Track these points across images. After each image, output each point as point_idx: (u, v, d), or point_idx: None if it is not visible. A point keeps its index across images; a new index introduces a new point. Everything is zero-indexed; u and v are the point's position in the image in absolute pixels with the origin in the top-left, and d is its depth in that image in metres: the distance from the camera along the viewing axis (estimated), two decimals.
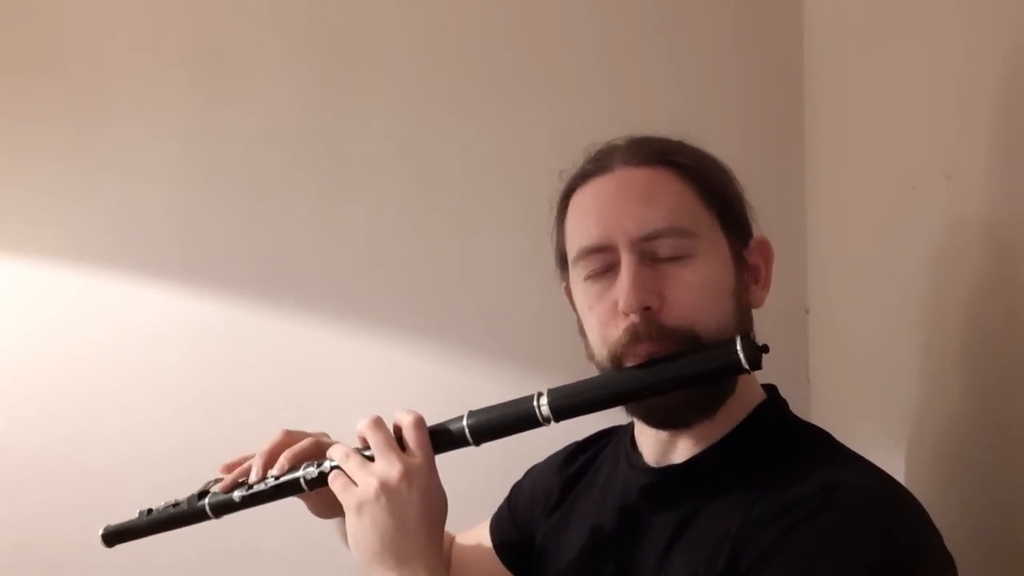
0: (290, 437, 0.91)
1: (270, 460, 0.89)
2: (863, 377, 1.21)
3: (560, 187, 0.90)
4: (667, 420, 0.83)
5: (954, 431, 0.96)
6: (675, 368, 0.78)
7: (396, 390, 1.42)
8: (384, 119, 1.46)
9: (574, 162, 0.89)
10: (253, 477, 0.88)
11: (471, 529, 1.09)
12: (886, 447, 1.04)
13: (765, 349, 0.77)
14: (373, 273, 1.45)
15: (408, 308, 1.45)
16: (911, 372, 1.05)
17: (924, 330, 1.02)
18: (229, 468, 0.92)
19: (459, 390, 1.41)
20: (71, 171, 1.47)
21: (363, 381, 1.44)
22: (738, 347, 0.76)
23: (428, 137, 1.46)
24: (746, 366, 0.76)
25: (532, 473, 1.06)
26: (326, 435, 0.93)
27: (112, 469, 1.43)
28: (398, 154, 1.46)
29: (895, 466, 0.83)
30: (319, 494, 0.87)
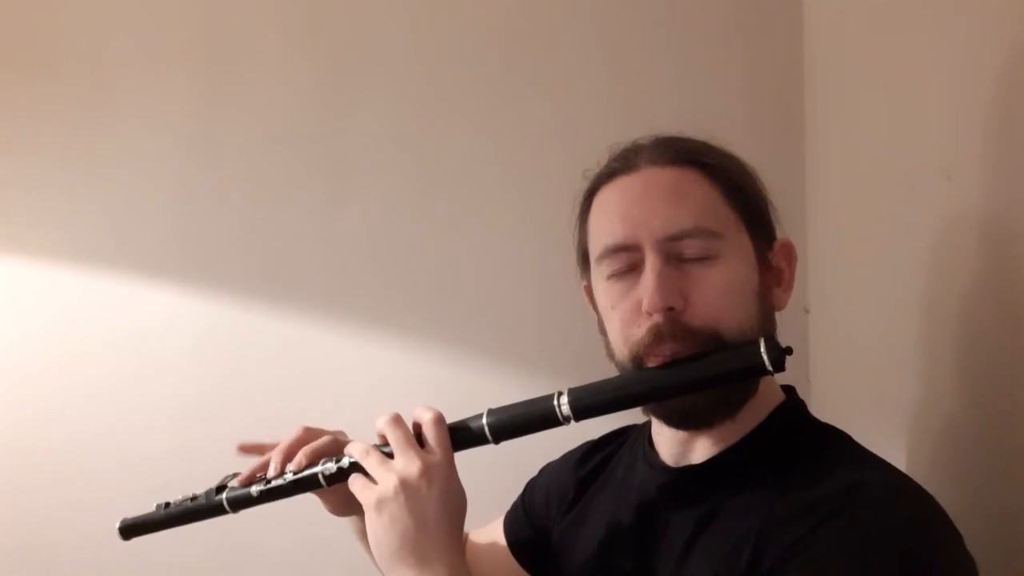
0: (309, 433, 0.91)
1: (289, 455, 0.88)
2: (863, 377, 1.21)
3: (583, 186, 0.89)
4: (688, 420, 0.82)
5: (953, 430, 0.96)
6: (698, 368, 0.78)
7: (398, 391, 1.42)
8: (385, 118, 1.46)
9: (598, 160, 0.88)
10: (272, 472, 0.88)
11: (485, 526, 1.09)
12: (886, 446, 1.02)
13: (789, 351, 0.76)
14: (375, 273, 1.45)
15: (409, 308, 1.44)
16: (910, 371, 1.05)
17: (923, 330, 1.02)
18: (247, 448, 0.93)
19: (461, 391, 1.40)
20: (71, 171, 1.46)
21: (365, 382, 1.43)
22: (762, 348, 0.76)
23: (429, 136, 1.46)
24: (770, 368, 0.76)
25: (547, 471, 1.06)
26: (343, 434, 0.93)
27: (113, 469, 1.42)
28: (399, 153, 1.46)
29: (895, 465, 0.84)
30: (336, 491, 0.87)
